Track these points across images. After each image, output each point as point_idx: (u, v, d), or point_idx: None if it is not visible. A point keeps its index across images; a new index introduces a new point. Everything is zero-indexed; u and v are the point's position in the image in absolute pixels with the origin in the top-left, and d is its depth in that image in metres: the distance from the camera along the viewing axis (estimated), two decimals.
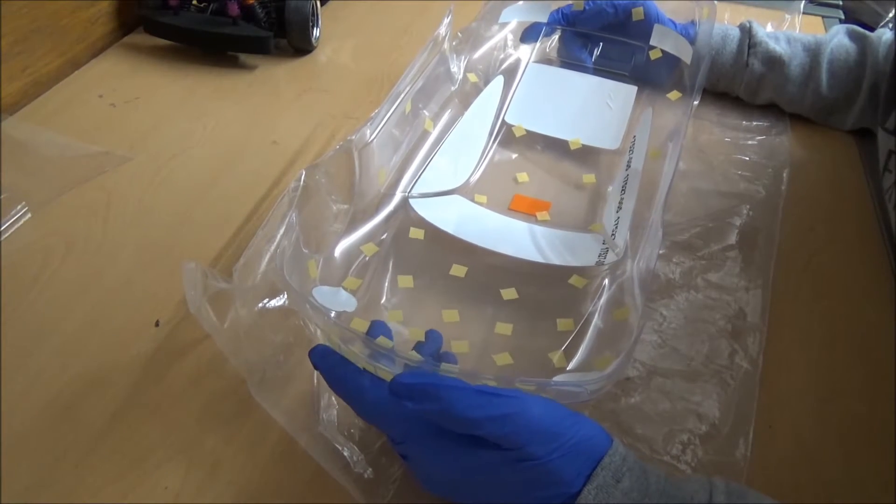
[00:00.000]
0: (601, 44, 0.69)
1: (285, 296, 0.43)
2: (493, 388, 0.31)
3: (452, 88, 0.64)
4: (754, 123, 0.68)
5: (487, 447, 0.31)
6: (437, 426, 0.33)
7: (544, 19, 0.69)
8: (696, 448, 0.40)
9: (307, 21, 0.71)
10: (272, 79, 0.71)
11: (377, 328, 0.39)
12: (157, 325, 0.44)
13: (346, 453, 0.37)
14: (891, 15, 0.88)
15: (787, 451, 0.40)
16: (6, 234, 0.50)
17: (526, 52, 0.70)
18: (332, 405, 0.39)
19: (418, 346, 0.41)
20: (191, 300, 0.40)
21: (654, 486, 0.31)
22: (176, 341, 0.43)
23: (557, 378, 0.37)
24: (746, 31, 0.67)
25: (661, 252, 0.43)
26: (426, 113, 0.59)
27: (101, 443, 0.38)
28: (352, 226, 0.50)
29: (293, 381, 0.41)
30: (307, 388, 0.40)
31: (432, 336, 0.42)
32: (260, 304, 0.43)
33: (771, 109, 0.70)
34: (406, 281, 0.48)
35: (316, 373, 0.40)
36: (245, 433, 0.39)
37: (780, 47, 0.66)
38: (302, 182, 0.50)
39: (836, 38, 0.67)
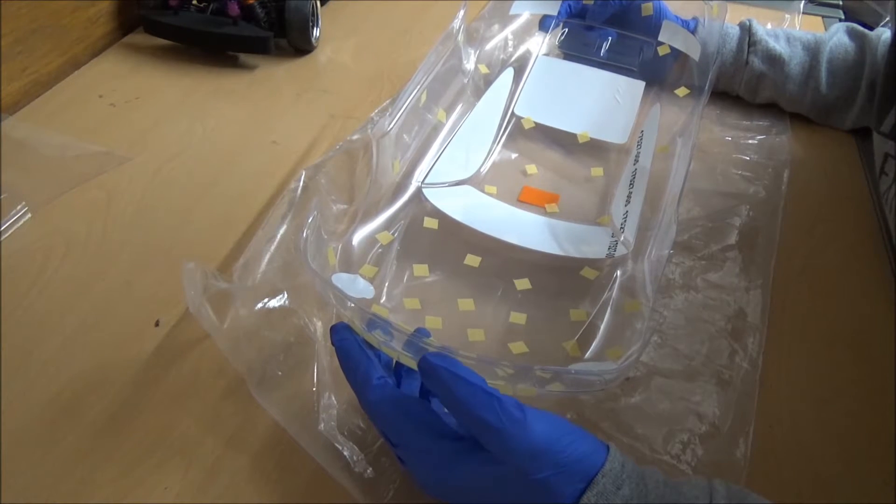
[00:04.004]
0: (609, 38, 0.69)
1: (285, 295, 0.43)
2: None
3: (464, 80, 0.64)
4: (754, 123, 0.68)
5: (483, 459, 0.31)
6: (435, 434, 0.33)
7: (555, 12, 0.69)
8: (696, 448, 0.40)
9: (307, 21, 0.71)
10: (272, 79, 0.71)
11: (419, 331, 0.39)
12: (157, 325, 0.44)
13: (346, 453, 0.37)
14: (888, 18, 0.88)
15: (787, 451, 0.40)
16: (6, 234, 0.50)
17: (535, 45, 0.71)
18: (332, 405, 0.39)
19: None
20: (191, 300, 0.40)
21: (652, 490, 0.31)
22: (176, 341, 0.43)
23: (575, 366, 0.37)
24: (746, 30, 0.67)
25: (672, 248, 0.43)
26: (439, 104, 0.60)
27: (101, 443, 0.38)
28: (367, 215, 0.51)
29: (293, 380, 0.41)
30: (307, 387, 0.40)
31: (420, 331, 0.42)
32: (260, 304, 0.43)
33: (771, 109, 0.70)
34: (421, 270, 0.49)
35: (316, 372, 0.40)
36: (245, 433, 0.39)
37: (779, 46, 0.66)
38: (302, 182, 0.50)
39: (836, 36, 0.67)
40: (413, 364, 0.34)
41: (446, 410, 0.34)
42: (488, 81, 0.65)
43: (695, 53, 0.64)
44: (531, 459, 0.30)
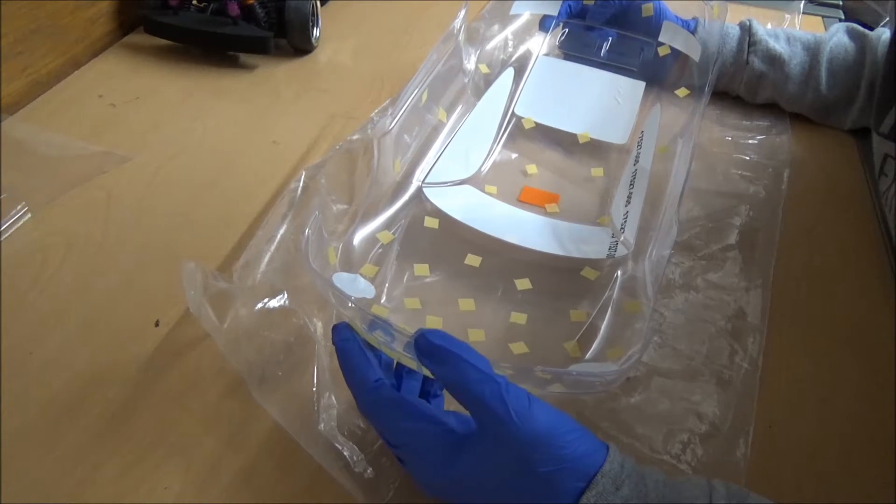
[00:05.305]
0: (609, 39, 0.69)
1: (285, 295, 0.43)
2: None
3: (465, 80, 0.64)
4: (754, 123, 0.68)
5: (483, 458, 0.31)
6: (434, 434, 0.33)
7: (555, 12, 0.69)
8: (696, 448, 0.40)
9: (307, 21, 0.71)
10: (272, 79, 0.71)
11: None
12: (157, 325, 0.44)
13: (346, 453, 0.37)
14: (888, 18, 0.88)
15: (787, 451, 0.40)
16: (6, 234, 0.50)
17: (536, 45, 0.71)
18: (332, 405, 0.39)
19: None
20: (191, 300, 0.40)
21: (652, 490, 0.31)
22: (176, 341, 0.43)
23: (575, 367, 0.37)
24: (746, 30, 0.68)
25: (673, 247, 0.43)
26: (440, 104, 0.60)
27: (101, 443, 0.38)
28: (368, 214, 0.51)
29: (293, 380, 0.41)
30: (307, 388, 0.40)
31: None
32: (260, 304, 0.43)
33: (771, 109, 0.70)
34: (422, 269, 0.49)
35: (316, 372, 0.40)
36: (245, 433, 0.39)
37: (779, 46, 0.66)
38: (302, 182, 0.50)
39: (836, 36, 0.67)
40: (414, 365, 0.34)
41: (446, 408, 0.34)
42: (489, 81, 0.65)
43: (695, 54, 0.64)
44: (534, 450, 0.30)
